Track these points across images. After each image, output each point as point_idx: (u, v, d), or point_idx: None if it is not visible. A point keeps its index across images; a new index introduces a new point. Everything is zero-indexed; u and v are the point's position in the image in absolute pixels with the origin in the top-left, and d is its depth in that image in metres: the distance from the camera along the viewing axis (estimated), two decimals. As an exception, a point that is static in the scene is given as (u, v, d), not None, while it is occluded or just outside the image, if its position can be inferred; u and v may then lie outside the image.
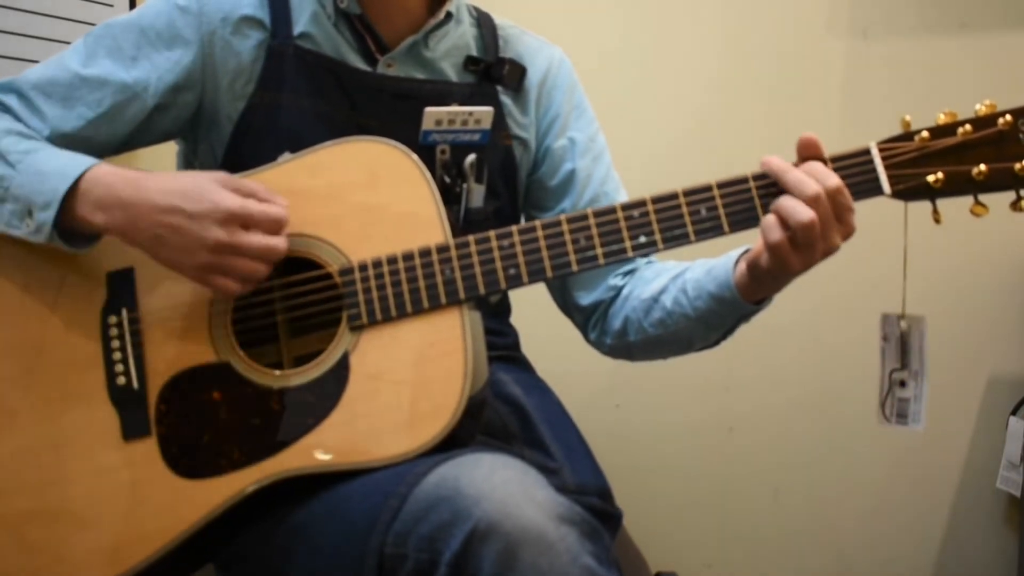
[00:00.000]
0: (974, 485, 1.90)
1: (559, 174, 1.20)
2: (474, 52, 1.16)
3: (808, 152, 0.93)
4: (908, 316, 1.00)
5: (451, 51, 1.15)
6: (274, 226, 0.92)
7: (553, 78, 1.21)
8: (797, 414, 1.91)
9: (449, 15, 1.13)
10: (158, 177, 0.95)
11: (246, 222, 0.91)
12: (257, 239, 0.91)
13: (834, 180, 0.91)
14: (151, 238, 0.93)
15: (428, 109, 1.07)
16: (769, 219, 0.92)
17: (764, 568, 1.94)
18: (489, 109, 1.10)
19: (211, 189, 0.92)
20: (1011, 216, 0.93)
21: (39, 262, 0.99)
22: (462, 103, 1.10)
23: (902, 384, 1.00)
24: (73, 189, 0.94)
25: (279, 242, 0.92)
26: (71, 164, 0.95)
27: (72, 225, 0.95)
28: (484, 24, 1.19)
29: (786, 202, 0.90)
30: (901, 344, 1.00)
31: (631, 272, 1.18)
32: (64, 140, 1.02)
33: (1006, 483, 1.82)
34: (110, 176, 0.95)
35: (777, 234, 0.91)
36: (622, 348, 1.18)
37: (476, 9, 1.20)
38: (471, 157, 1.10)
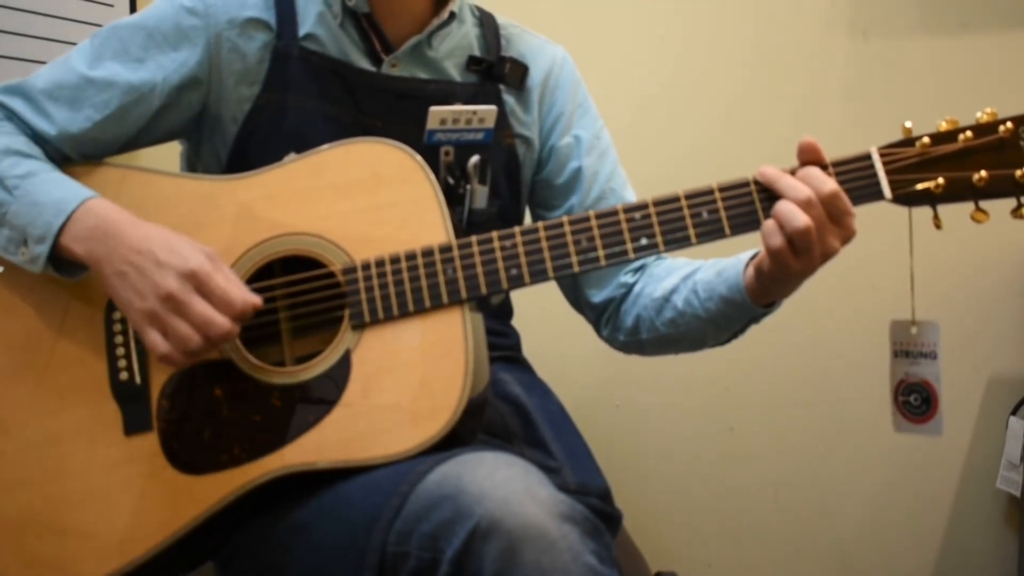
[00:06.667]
0: (974, 485, 1.89)
1: (565, 172, 1.21)
2: (476, 52, 1.17)
3: (808, 157, 0.93)
4: (919, 322, 1.00)
5: (454, 51, 1.15)
6: (225, 306, 0.89)
7: (556, 77, 1.21)
8: (797, 414, 1.91)
9: (452, 15, 1.13)
10: (151, 225, 0.94)
11: (202, 288, 0.89)
12: (202, 306, 0.88)
13: (830, 185, 0.91)
14: (117, 273, 0.92)
15: (433, 108, 1.07)
16: (769, 224, 0.92)
17: (764, 568, 1.94)
18: (493, 108, 1.10)
19: (190, 248, 0.91)
20: (1010, 217, 0.93)
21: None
22: (465, 103, 1.11)
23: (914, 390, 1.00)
24: (66, 221, 0.94)
25: (223, 321, 0.88)
26: (68, 196, 0.95)
27: (61, 254, 0.95)
28: (486, 23, 1.19)
29: (783, 206, 0.91)
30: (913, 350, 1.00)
31: (642, 268, 1.19)
32: (71, 141, 1.03)
33: (1006, 483, 1.82)
34: (104, 208, 0.95)
35: (778, 240, 0.91)
36: (634, 344, 1.19)
37: (478, 8, 1.21)
38: (475, 158, 1.10)
